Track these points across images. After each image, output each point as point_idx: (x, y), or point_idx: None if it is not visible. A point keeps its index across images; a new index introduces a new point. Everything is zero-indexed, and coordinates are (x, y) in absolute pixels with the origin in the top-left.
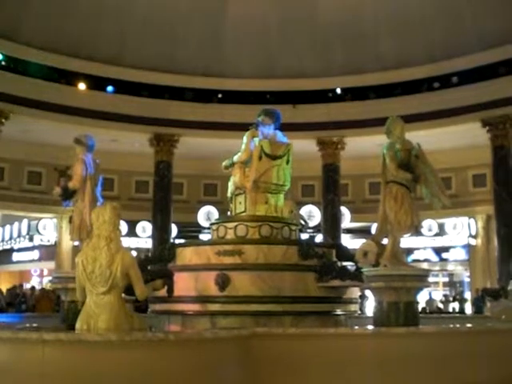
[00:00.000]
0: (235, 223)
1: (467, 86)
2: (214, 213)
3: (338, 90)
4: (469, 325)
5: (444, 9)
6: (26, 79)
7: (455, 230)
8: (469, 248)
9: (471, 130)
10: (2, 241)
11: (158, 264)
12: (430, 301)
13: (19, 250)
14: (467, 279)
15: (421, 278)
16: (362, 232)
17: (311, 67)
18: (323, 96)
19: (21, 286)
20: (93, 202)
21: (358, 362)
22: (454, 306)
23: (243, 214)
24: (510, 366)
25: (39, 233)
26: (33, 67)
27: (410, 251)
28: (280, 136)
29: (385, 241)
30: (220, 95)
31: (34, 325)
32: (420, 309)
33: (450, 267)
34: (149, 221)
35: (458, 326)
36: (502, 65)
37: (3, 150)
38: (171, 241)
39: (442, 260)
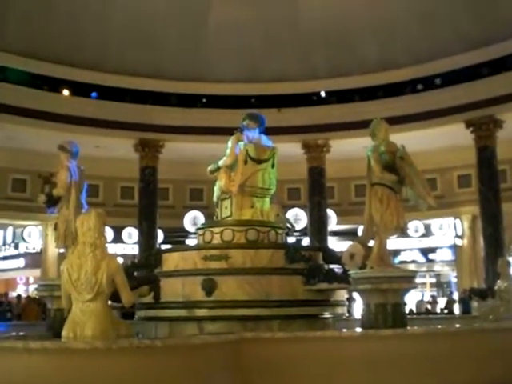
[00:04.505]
0: (221, 228)
1: (450, 87)
2: (200, 218)
3: (323, 93)
4: (457, 325)
5: (426, 11)
6: (8, 86)
7: (441, 230)
8: (455, 248)
9: (455, 131)
10: None
11: (144, 270)
12: (421, 302)
13: (4, 258)
14: (454, 279)
15: (408, 280)
16: (349, 234)
17: (295, 71)
18: (307, 99)
19: (6, 294)
20: (78, 208)
21: (347, 365)
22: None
23: (229, 218)
24: (499, 366)
25: (24, 240)
26: (15, 74)
27: (396, 253)
28: (265, 140)
29: (371, 243)
30: (204, 100)
31: (20, 333)
32: (407, 310)
33: (437, 268)
34: (135, 227)
35: (445, 326)
36: (484, 66)
37: None
38: (157, 246)
39: (429, 261)
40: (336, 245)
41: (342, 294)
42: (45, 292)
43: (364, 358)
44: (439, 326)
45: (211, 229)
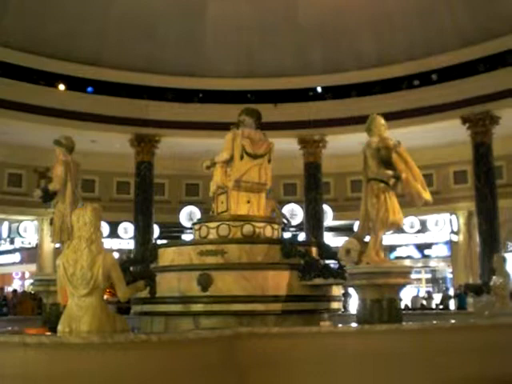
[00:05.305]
0: (217, 223)
1: (447, 83)
2: (196, 213)
3: (319, 89)
4: (452, 321)
5: (423, 7)
6: (3, 80)
7: (437, 226)
8: (451, 244)
9: (452, 127)
10: None
11: (140, 265)
12: (416, 297)
13: (0, 252)
14: (450, 275)
15: (403, 275)
16: (345, 230)
17: (292, 66)
18: (304, 95)
19: (2, 289)
20: (73, 203)
21: (342, 360)
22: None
23: (225, 213)
24: (493, 362)
25: (20, 235)
26: (11, 68)
27: (392, 248)
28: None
29: (367, 238)
30: (201, 95)
31: (16, 328)
32: (403, 306)
33: (433, 264)
34: (130, 222)
35: (441, 322)
36: (481, 62)
37: None
38: (153, 241)
39: (425, 256)
40: (332, 240)
41: (338, 290)
42: (40, 287)
43: (359, 353)
44: (434, 322)
45: (207, 224)
